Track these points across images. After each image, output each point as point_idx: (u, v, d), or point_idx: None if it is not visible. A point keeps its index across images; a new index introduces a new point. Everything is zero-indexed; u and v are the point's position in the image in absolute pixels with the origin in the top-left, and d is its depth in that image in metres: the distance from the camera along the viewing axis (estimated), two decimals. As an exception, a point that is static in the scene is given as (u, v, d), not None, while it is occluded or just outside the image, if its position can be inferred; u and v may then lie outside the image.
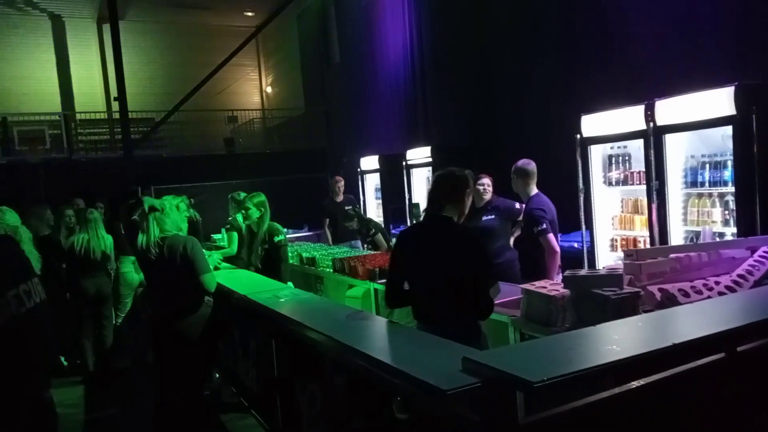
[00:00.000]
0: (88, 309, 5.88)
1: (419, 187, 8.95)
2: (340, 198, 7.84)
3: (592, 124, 5.28)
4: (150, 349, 3.95)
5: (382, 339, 2.57)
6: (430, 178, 8.12)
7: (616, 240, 5.45)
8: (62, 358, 6.00)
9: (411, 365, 1.89)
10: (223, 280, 4.40)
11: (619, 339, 1.90)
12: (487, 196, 5.02)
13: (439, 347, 2.19)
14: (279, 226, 5.10)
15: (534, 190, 4.46)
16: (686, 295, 2.79)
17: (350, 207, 7.26)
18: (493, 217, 4.87)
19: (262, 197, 5.05)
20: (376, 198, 10.20)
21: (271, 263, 5.00)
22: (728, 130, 4.15)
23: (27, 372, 3.26)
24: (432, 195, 2.95)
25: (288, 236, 5.75)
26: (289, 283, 4.74)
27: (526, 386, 1.48)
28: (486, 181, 5.00)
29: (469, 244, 2.81)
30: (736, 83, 4.03)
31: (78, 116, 15.12)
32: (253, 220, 5.02)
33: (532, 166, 4.46)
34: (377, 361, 2.03)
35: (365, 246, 7.19)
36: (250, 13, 17.25)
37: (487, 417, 1.58)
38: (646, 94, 4.83)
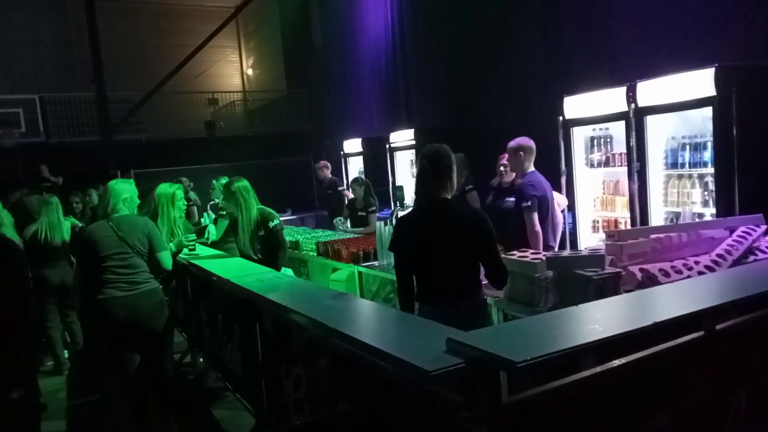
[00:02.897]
0: (52, 299, 5.59)
1: (403, 170, 8.93)
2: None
3: (574, 105, 5.29)
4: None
5: (366, 321, 2.57)
6: (414, 161, 8.06)
7: (598, 221, 5.50)
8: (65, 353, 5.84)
9: (396, 347, 1.88)
10: (208, 266, 4.37)
11: (601, 318, 1.92)
12: (509, 177, 4.89)
13: (424, 329, 2.20)
14: (271, 211, 4.65)
15: (531, 168, 4.33)
16: (666, 274, 2.83)
17: (358, 178, 7.21)
18: (513, 199, 4.47)
19: (240, 182, 4.55)
20: (360, 181, 10.16)
21: (271, 251, 4.58)
22: (708, 111, 4.19)
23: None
24: (421, 181, 2.89)
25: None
26: (288, 270, 4.59)
27: (509, 366, 1.49)
28: (506, 162, 4.78)
29: (473, 222, 2.81)
30: (717, 64, 4.05)
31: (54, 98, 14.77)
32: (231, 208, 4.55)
33: (533, 143, 4.34)
34: (362, 343, 2.02)
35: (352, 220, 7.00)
36: (229, -7, 16.91)
37: (470, 397, 1.59)
38: (628, 76, 4.85)
